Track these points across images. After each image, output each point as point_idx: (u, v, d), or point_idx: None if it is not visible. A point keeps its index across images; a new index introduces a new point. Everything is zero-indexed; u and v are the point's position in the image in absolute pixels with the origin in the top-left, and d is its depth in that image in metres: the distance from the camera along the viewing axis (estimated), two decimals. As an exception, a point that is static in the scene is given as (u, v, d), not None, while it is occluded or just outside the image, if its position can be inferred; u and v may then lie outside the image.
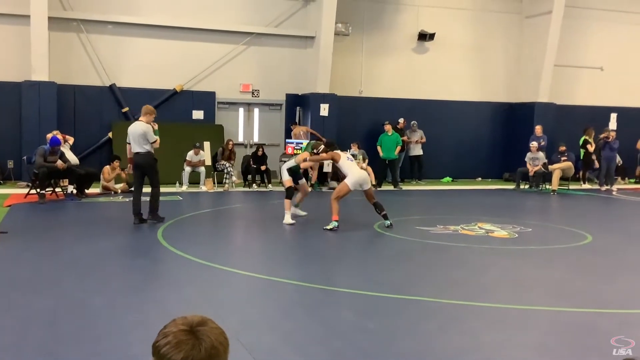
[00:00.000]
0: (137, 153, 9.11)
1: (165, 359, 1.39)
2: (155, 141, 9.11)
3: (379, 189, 15.40)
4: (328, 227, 8.96)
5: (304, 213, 10.11)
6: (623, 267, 7.15)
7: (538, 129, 16.61)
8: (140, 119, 9.24)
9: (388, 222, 9.26)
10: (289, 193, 9.61)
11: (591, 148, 16.76)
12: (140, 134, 9.00)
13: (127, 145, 9.34)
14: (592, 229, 9.51)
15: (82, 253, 7.15)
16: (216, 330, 1.45)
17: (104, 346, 4.15)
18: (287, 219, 9.45)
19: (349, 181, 9.14)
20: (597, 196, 14.92)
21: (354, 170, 9.27)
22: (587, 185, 16.85)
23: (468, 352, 4.24)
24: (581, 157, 16.97)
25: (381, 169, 15.87)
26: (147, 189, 9.38)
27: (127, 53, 15.33)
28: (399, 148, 15.86)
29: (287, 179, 9.69)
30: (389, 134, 15.77)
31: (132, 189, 9.72)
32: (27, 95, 14.06)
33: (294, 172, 9.79)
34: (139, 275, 6.21)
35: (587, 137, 16.87)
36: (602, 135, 16.62)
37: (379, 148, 15.82)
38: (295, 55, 16.61)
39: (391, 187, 15.73)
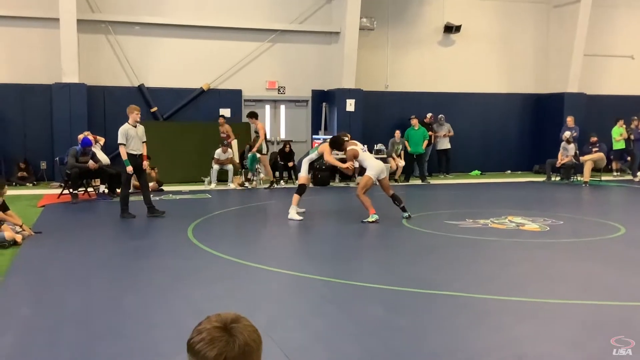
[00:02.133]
0: (140, 155, 9.75)
1: (199, 356, 1.41)
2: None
3: (406, 183, 15.34)
4: (369, 220, 9.00)
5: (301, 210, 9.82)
6: (658, 260, 7.01)
7: (570, 120, 16.34)
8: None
9: (406, 214, 9.29)
10: (302, 189, 9.58)
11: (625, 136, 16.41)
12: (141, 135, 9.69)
13: (121, 146, 9.59)
14: (625, 220, 9.34)
15: (113, 252, 7.27)
16: (249, 327, 1.47)
17: (136, 344, 4.22)
18: (293, 214, 9.47)
19: (370, 172, 9.19)
20: (630, 187, 14.63)
21: (372, 161, 9.39)
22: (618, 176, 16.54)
23: (499, 348, 4.21)
24: (613, 148, 16.65)
25: (409, 163, 15.81)
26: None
27: (155, 53, 15.50)
28: (426, 142, 15.77)
29: (304, 175, 9.67)
30: (416, 128, 15.69)
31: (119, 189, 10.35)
32: (58, 97, 14.32)
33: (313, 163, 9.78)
34: (169, 273, 6.28)
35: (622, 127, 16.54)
36: (632, 125, 16.34)
37: (406, 142, 15.75)
38: (321, 51, 16.60)
39: (419, 182, 15.65)
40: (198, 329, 1.46)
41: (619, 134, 16.56)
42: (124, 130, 9.66)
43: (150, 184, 13.37)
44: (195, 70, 15.67)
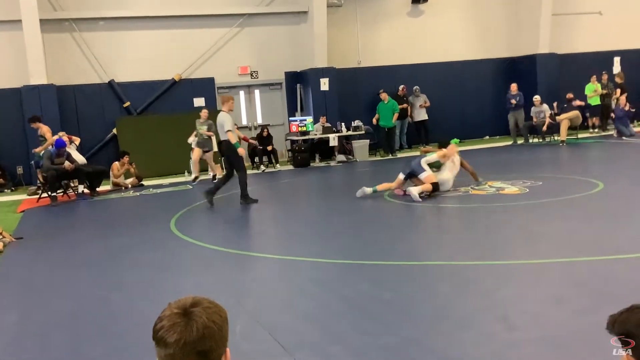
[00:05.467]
0: (220, 142, 9.90)
1: (162, 343, 1.42)
2: (228, 131, 9.45)
3: (391, 156, 15.38)
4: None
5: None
6: (636, 212, 7.12)
7: (513, 87, 16.38)
8: (222, 109, 9.71)
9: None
10: (435, 187, 9.04)
11: (617, 93, 16.55)
12: (219, 123, 9.57)
13: (229, 132, 9.42)
14: (603, 176, 9.46)
15: (97, 251, 7.23)
16: (210, 309, 1.47)
17: (127, 341, 4.21)
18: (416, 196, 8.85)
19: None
20: (606, 143, 14.81)
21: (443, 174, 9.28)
22: (602, 133, 16.70)
23: (485, 311, 4.27)
24: (591, 104, 16.77)
25: (382, 137, 15.83)
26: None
27: (122, 47, 15.30)
28: (396, 115, 15.78)
29: (429, 174, 9.10)
30: (385, 102, 15.69)
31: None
32: (28, 100, 14.11)
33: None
34: (155, 267, 6.27)
35: (619, 81, 16.65)
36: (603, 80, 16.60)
37: (377, 116, 15.73)
38: (290, 32, 16.49)
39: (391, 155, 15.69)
40: (160, 317, 1.47)
41: (592, 91, 16.72)
42: (227, 117, 9.53)
43: (130, 180, 13.32)
44: (165, 61, 15.50)
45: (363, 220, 8.12)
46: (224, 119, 9.47)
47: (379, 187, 9.33)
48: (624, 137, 15.17)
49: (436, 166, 9.27)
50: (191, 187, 12.33)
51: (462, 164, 9.57)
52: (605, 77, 17.09)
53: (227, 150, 9.69)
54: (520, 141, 16.10)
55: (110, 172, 13.24)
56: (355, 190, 9.39)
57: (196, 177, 13.25)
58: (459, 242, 6.53)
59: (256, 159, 15.05)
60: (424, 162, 9.20)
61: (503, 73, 18.42)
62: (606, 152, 13.57)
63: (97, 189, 12.43)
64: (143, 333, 4.30)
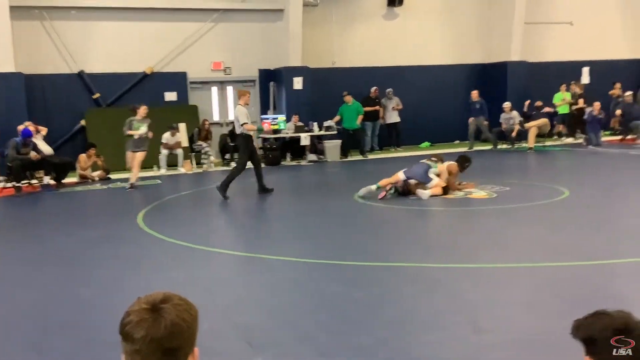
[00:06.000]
0: (237, 135, 10.14)
1: (128, 338, 1.39)
2: (244, 123, 9.72)
3: (345, 159, 15.38)
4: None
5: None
6: (600, 220, 7.27)
7: (474, 94, 16.61)
8: (239, 102, 10.02)
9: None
10: (446, 190, 9.13)
11: (582, 102, 16.92)
12: (236, 117, 9.89)
13: (245, 124, 9.73)
14: (568, 184, 9.63)
15: (63, 244, 7.09)
16: (181, 306, 1.43)
17: (93, 335, 4.14)
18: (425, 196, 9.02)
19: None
20: (573, 151, 15.09)
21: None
22: (569, 140, 17.01)
23: (454, 313, 4.30)
24: (559, 112, 17.09)
25: (346, 139, 15.78)
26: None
27: (94, 38, 15.04)
28: (360, 117, 15.83)
29: (438, 181, 9.15)
30: (349, 104, 15.72)
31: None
32: (-5, 88, 13.77)
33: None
34: (122, 262, 6.18)
35: (578, 90, 17.04)
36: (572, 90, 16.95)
37: (337, 118, 15.71)
38: (265, 30, 16.41)
39: (361, 157, 15.72)
40: (127, 311, 1.43)
41: (560, 99, 17.05)
42: (243, 110, 9.82)
43: (97, 173, 13.11)
44: (137, 53, 15.28)
45: (334, 221, 8.12)
46: (240, 113, 9.79)
47: (380, 183, 9.32)
48: (590, 146, 15.48)
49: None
50: (130, 189, 11.11)
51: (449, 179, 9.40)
52: (572, 86, 17.44)
53: (240, 144, 10.08)
54: (480, 147, 16.30)
55: (77, 164, 13.01)
56: (328, 191, 9.38)
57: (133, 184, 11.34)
58: (429, 244, 6.58)
59: (227, 156, 14.95)
60: (432, 173, 9.21)
61: (475, 79, 18.62)
62: (573, 160, 13.83)
63: (63, 181, 12.20)
64: (109, 328, 4.23)
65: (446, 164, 9.38)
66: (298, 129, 15.45)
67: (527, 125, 15.78)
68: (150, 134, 11.45)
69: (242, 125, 9.74)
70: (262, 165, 10.76)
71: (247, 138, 9.92)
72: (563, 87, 17.14)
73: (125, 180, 12.03)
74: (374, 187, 9.28)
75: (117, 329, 1.41)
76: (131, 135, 11.28)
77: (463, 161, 9.63)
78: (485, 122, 16.42)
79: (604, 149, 14.91)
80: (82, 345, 4.01)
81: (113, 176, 13.20)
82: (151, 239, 7.13)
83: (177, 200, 10.34)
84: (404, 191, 9.25)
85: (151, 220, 8.21)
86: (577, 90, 17.17)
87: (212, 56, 16.14)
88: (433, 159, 9.57)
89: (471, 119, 16.53)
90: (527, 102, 16.49)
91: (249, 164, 10.08)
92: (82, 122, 14.84)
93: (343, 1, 17.09)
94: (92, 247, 6.95)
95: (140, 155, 11.38)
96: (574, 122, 17.35)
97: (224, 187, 9.68)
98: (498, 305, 4.42)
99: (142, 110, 11.37)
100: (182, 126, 14.58)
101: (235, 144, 10.00)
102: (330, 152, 15.41)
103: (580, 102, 16.91)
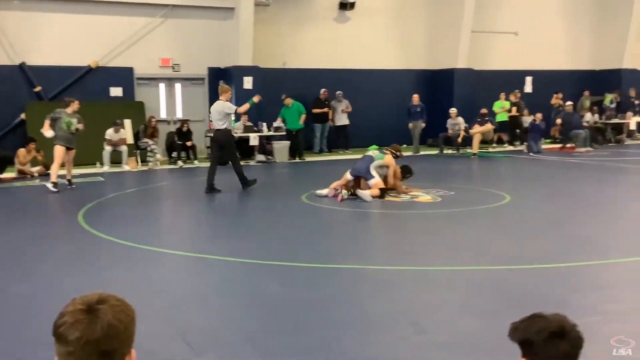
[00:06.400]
0: (217, 130, 10.05)
1: (62, 339, 1.35)
2: (236, 109, 10.13)
3: (293, 160, 15.37)
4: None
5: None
6: (539, 225, 7.49)
7: (415, 98, 16.95)
8: (220, 98, 10.06)
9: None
10: (383, 193, 9.16)
11: (515, 111, 17.47)
12: (218, 111, 9.87)
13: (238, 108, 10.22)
14: (510, 189, 9.88)
15: (-2, 241, 6.82)
16: (117, 307, 1.40)
17: (28, 334, 3.99)
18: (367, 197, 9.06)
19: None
20: (515, 158, 15.52)
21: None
22: (510, 147, 17.49)
23: (398, 315, 4.34)
24: (497, 119, 17.58)
25: (291, 140, 15.75)
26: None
27: (37, 30, 14.54)
28: (303, 117, 15.86)
29: (379, 180, 9.24)
30: (289, 106, 15.71)
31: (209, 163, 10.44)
32: None
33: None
34: (60, 261, 5.99)
35: (513, 99, 17.55)
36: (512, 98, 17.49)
37: (279, 120, 15.69)
38: (216, 28, 16.23)
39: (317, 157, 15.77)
40: (62, 312, 1.39)
41: (499, 107, 17.58)
42: (227, 104, 10.06)
43: (37, 168, 12.69)
44: (82, 47, 14.86)
45: (279, 221, 8.09)
46: (224, 106, 9.91)
47: (332, 186, 9.36)
48: (531, 153, 15.97)
49: (380, 174, 9.37)
50: (56, 190, 10.14)
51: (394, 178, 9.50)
52: (518, 94, 18.03)
53: (224, 139, 10.09)
54: (427, 152, 16.60)
55: (16, 159, 12.55)
56: (274, 191, 9.34)
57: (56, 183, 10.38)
58: (373, 246, 6.63)
59: (174, 154, 14.71)
60: (373, 168, 9.30)
61: (423, 84, 18.91)
62: (514, 166, 14.21)
63: (1, 176, 11.75)
64: (41, 328, 4.09)
65: (393, 161, 9.45)
66: (247, 129, 15.34)
67: (471, 131, 16.13)
68: (81, 126, 10.83)
69: (236, 110, 10.09)
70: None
71: (229, 131, 10.19)
72: (502, 95, 17.70)
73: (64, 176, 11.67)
74: (325, 190, 9.37)
75: (49, 329, 1.37)
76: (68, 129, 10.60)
77: (405, 171, 9.79)
78: (423, 125, 16.77)
79: (544, 157, 15.39)
80: (14, 344, 3.86)
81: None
82: (91, 237, 6.93)
83: (120, 198, 10.11)
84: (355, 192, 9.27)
85: (92, 218, 7.99)
86: (512, 99, 17.73)
87: (161, 52, 15.85)
88: (386, 150, 9.64)
89: (412, 124, 16.76)
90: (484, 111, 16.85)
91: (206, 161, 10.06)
92: (22, 116, 14.33)
93: (295, 2, 17.08)
94: (30, 245, 6.70)
95: (73, 153, 10.92)
96: (514, 129, 17.92)
97: (245, 181, 10.09)
98: (440, 307, 4.49)
99: (76, 105, 10.82)
100: (127, 122, 14.25)
101: (216, 140, 9.67)
102: (279, 153, 15.37)
103: (514, 111, 17.49)
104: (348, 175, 9.37)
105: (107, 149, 13.67)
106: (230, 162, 10.36)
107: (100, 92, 15.00)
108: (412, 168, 10.00)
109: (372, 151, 9.61)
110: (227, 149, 10.24)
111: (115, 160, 13.78)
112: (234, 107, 10.12)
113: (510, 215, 8.11)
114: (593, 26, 20.64)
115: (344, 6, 17.49)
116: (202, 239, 7.15)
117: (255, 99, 10.32)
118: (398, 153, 9.78)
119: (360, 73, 17.96)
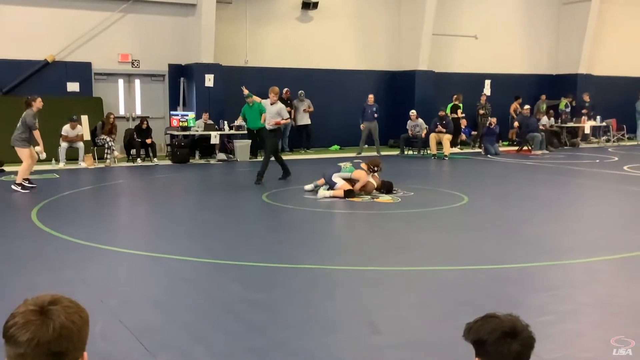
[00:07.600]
0: (263, 128, 11.51)
1: (12, 341, 1.33)
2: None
3: (254, 159, 15.30)
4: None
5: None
6: (496, 226, 7.61)
7: (370, 98, 17.05)
8: (270, 96, 11.21)
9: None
10: (350, 193, 9.24)
11: (460, 113, 17.83)
12: (277, 111, 11.02)
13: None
14: (468, 190, 10.02)
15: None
16: (70, 308, 1.39)
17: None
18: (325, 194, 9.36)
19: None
20: (473, 159, 15.75)
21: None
22: (457, 149, 17.75)
23: (353, 315, 4.35)
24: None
25: (252, 139, 15.65)
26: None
27: (-10, 21, 14.12)
28: (264, 116, 15.74)
29: (344, 183, 9.31)
30: (251, 105, 15.60)
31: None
32: None
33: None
34: (10, 259, 5.81)
35: (456, 102, 17.94)
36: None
37: (240, 119, 15.58)
38: (177, 24, 16.03)
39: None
40: (13, 313, 1.36)
41: (450, 109, 17.91)
42: (282, 105, 11.25)
43: (-11, 164, 12.30)
44: (37, 40, 14.48)
45: (238, 221, 8.03)
46: (281, 107, 11.10)
47: (319, 182, 9.62)
48: (489, 155, 16.24)
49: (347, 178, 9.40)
50: (25, 191, 9.74)
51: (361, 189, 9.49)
52: (483, 98, 18.40)
53: (267, 135, 11.24)
54: (388, 152, 16.72)
55: (-33, 155, 12.16)
56: (234, 190, 9.27)
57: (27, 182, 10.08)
58: (331, 246, 6.64)
59: (133, 151, 14.46)
60: (336, 176, 9.37)
61: (384, 85, 19.05)
62: (473, 168, 14.43)
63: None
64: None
65: (364, 175, 9.44)
66: (208, 127, 15.19)
67: (432, 135, 16.31)
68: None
69: (285, 118, 11.16)
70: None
71: (271, 129, 11.07)
72: (455, 97, 18.04)
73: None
74: (311, 185, 9.66)
75: (1, 332, 1.35)
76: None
77: (384, 187, 9.69)
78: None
79: (502, 159, 15.67)
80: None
81: (7, 168, 12.45)
82: (44, 235, 6.76)
83: (75, 196, 9.89)
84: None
85: (46, 216, 7.79)
86: (455, 102, 18.08)
87: (120, 48, 15.57)
88: (363, 165, 9.59)
89: (364, 125, 16.74)
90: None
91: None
92: (-25, 110, 13.89)
93: (258, 0, 17.00)
94: (-22, 243, 6.49)
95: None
96: (477, 132, 18.27)
97: (260, 177, 10.56)
98: (395, 307, 4.52)
99: (39, 102, 10.18)
100: (84, 118, 13.96)
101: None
102: (240, 151, 15.26)
103: (459, 113, 17.84)
104: (322, 178, 9.60)
105: (63, 145, 13.36)
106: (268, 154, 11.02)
107: (56, 87, 14.65)
108: (392, 185, 9.84)
109: (347, 164, 9.62)
110: (267, 144, 11.22)
111: (72, 157, 13.48)
112: (287, 115, 11.44)
113: (467, 216, 8.22)
114: (551, 31, 21.15)
115: (307, 6, 17.47)
116: (158, 238, 7.04)
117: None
118: (375, 168, 9.65)
119: (322, 73, 17.98)
